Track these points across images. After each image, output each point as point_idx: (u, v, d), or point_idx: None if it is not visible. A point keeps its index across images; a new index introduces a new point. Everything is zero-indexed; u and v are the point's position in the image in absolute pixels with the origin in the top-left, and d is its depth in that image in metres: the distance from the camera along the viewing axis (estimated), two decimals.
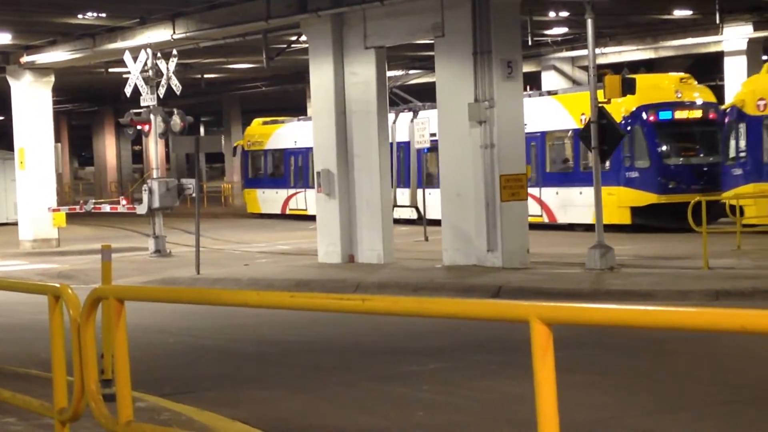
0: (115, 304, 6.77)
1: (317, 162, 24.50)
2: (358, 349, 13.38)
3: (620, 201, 29.07)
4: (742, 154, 27.14)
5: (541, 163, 31.84)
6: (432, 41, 22.79)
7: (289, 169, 43.55)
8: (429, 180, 33.92)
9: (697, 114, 29.92)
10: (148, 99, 28.47)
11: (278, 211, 43.63)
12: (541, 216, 31.02)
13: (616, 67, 36.00)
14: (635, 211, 28.89)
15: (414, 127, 31.44)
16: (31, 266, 27.67)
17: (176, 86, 27.91)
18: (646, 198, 27.72)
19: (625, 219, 29.01)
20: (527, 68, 36.00)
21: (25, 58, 33.41)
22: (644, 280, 18.40)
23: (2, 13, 27.99)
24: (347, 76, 23.74)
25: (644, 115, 29.02)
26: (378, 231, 23.25)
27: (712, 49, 38.41)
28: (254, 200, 45.48)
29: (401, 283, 19.78)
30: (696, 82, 30.96)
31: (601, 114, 20.49)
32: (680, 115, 29.39)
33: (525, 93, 25.07)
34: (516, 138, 21.52)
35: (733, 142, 27.45)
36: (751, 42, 36.50)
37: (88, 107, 65.17)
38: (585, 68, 33.22)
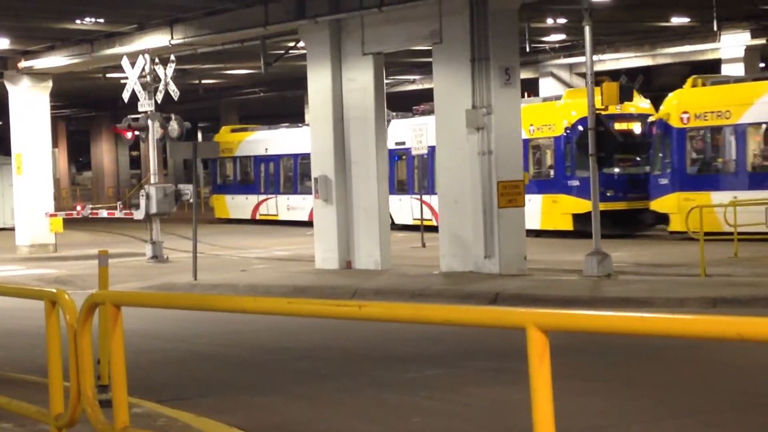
0: (111, 310, 6.77)
1: (315, 168, 24.50)
2: (355, 355, 13.37)
3: (563, 208, 30.48)
4: (668, 165, 28.67)
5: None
6: (430, 48, 22.81)
7: (260, 175, 44.68)
8: (400, 186, 35.63)
9: (636, 125, 30.95)
10: (146, 104, 28.47)
11: (248, 217, 44.87)
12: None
13: (614, 74, 36.05)
14: (577, 217, 29.78)
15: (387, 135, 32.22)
16: (28, 271, 27.66)
17: (174, 92, 27.91)
18: (586, 205, 27.60)
19: (568, 225, 30.25)
20: (525, 75, 36.08)
21: (23, 64, 33.42)
22: (641, 287, 18.41)
23: (0, 18, 28.00)
24: (345, 82, 23.76)
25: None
26: (375, 237, 23.25)
27: (710, 56, 38.47)
28: (223, 206, 46.64)
29: (399, 290, 19.77)
30: (640, 95, 31.73)
31: (598, 121, 20.51)
32: (619, 126, 29.68)
33: None
34: (513, 145, 21.53)
35: (659, 153, 29.05)
36: (749, 49, 36.56)
37: (85, 113, 65.21)
38: (583, 75, 33.30)
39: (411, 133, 31.67)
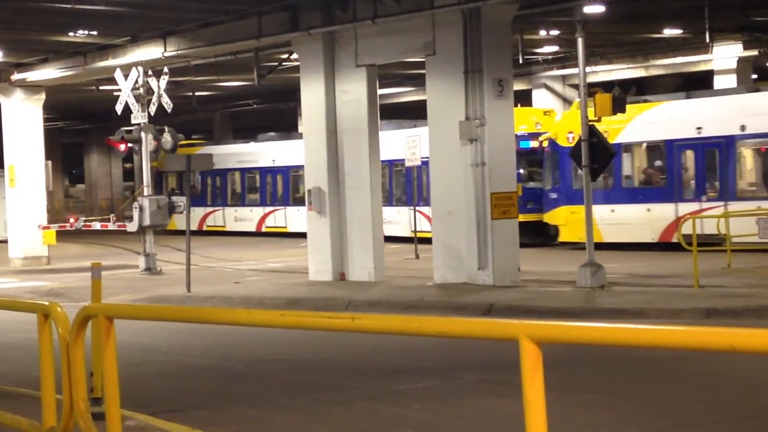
0: (104, 323, 6.76)
1: (308, 180, 24.50)
2: (348, 367, 13.35)
3: None
4: (557, 180, 31.67)
5: (428, 185, 33.93)
6: (423, 59, 22.84)
7: (207, 189, 48.10)
8: None
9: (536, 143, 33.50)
10: (139, 117, 28.45)
11: (195, 228, 45.98)
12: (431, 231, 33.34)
13: (607, 86, 36.16)
14: (528, 224, 31.52)
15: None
16: (21, 284, 27.60)
17: (167, 104, 27.90)
18: (537, 214, 31.78)
19: None
20: (518, 86, 36.15)
21: (16, 76, 33.40)
22: (635, 298, 18.41)
23: None
24: (338, 94, 23.78)
25: (549, 145, 32.09)
26: (369, 249, 23.24)
27: (702, 67, 38.55)
28: (172, 218, 47.90)
29: (392, 301, 19.76)
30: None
31: (591, 132, 20.54)
32: (535, 144, 33.08)
33: (418, 122, 28.48)
34: (507, 156, 21.55)
35: (550, 170, 32.01)
36: (741, 61, 36.65)
37: (78, 125, 65.14)
38: (576, 86, 33.41)
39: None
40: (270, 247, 37.53)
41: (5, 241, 35.78)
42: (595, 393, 11.03)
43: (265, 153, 45.34)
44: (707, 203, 27.93)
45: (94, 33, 28.68)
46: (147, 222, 28.09)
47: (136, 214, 28.28)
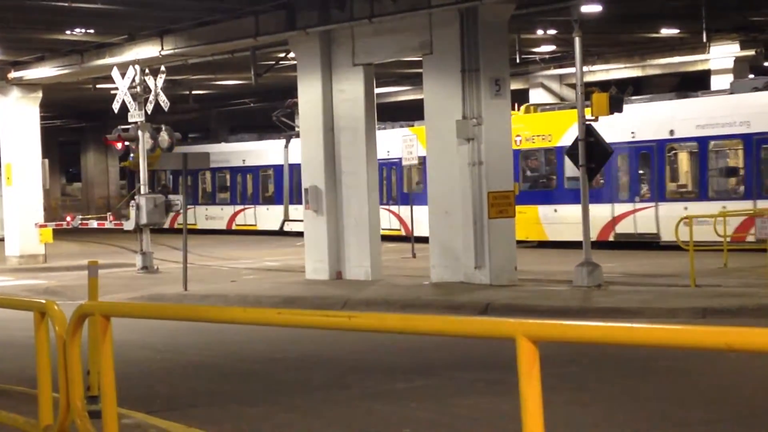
0: (101, 321, 6.76)
1: (305, 179, 24.50)
2: (345, 366, 13.36)
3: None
4: None
5: (399, 185, 37.30)
6: (420, 59, 22.84)
7: (179, 188, 49.70)
8: None
9: None
10: (136, 115, 28.43)
11: (167, 226, 47.38)
12: (399, 230, 36.96)
13: (604, 85, 36.14)
14: None
15: None
16: (18, 282, 27.59)
17: (164, 102, 27.88)
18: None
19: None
20: (515, 86, 36.16)
21: (13, 74, 33.37)
22: (632, 297, 18.43)
23: None
24: (335, 93, 23.77)
25: None
26: (366, 248, 23.24)
27: (699, 67, 38.57)
28: None
29: (389, 300, 19.76)
30: None
31: (588, 132, 20.55)
32: None
33: (380, 125, 29.55)
34: (504, 155, 21.56)
35: None
36: (738, 61, 36.67)
37: (75, 123, 65.05)
38: (573, 86, 33.46)
39: None
40: (268, 246, 37.51)
41: (2, 240, 35.77)
42: (592, 392, 11.04)
43: (236, 153, 47.02)
44: (640, 203, 29.47)
45: (91, 31, 28.66)
46: (144, 220, 28.07)
47: (133, 212, 28.26)
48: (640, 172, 30.13)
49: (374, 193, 23.71)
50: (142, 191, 28.98)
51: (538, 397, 4.55)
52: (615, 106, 20.69)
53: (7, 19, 27.03)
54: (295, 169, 42.34)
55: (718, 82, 36.51)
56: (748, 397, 10.54)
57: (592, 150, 20.50)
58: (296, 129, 43.24)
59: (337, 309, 18.86)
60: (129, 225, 28.61)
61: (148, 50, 28.22)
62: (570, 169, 30.90)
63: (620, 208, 29.96)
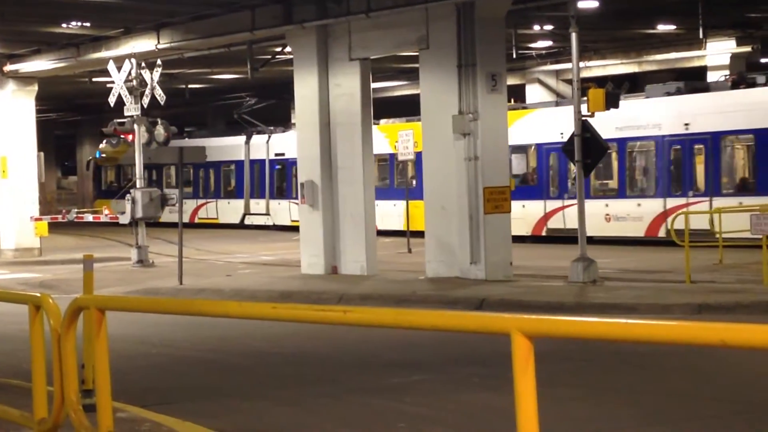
0: (96, 314, 6.75)
1: (301, 173, 24.49)
2: (340, 360, 13.36)
3: (401, 213, 34.79)
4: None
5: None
6: (417, 53, 22.82)
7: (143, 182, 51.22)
8: (279, 192, 43.42)
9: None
10: (132, 109, 28.38)
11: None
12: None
13: (601, 81, 36.12)
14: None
15: (269, 147, 43.47)
16: (13, 275, 27.56)
17: (160, 96, 27.84)
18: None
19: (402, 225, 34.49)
20: (512, 81, 36.16)
21: (9, 67, 33.32)
22: (627, 293, 18.44)
23: None
24: (332, 87, 23.75)
25: None
26: (361, 242, 23.24)
27: (696, 63, 38.57)
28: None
29: (384, 295, 19.76)
30: None
31: (584, 128, 20.55)
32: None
33: None
34: (500, 151, 21.56)
35: (416, 173, 34.68)
36: (734, 57, 36.67)
37: (71, 116, 64.99)
38: (569, 81, 33.51)
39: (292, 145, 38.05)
40: (262, 240, 37.51)
41: None
42: (587, 387, 11.05)
43: None
44: (569, 200, 30.89)
45: (88, 24, 28.61)
46: (139, 214, 28.04)
47: (128, 206, 28.23)
48: (569, 170, 31.20)
49: (370, 187, 23.69)
50: (138, 185, 28.94)
51: (533, 392, 4.54)
52: (611, 102, 20.68)
53: (3, 12, 26.97)
54: (256, 164, 44.72)
55: (714, 78, 36.50)
56: (744, 393, 10.55)
57: (588, 146, 20.50)
58: (257, 127, 44.97)
59: (332, 304, 18.86)
60: (125, 219, 28.57)
61: (145, 44, 28.18)
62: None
63: (552, 204, 32.01)
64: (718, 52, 36.67)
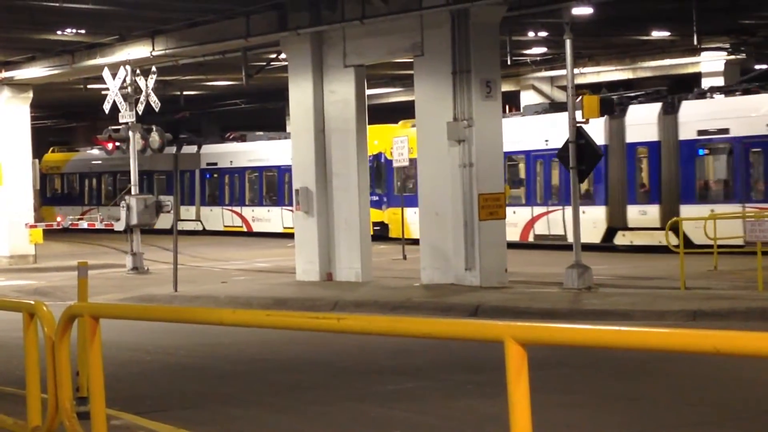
0: (90, 322, 6.75)
1: (296, 180, 24.49)
2: (334, 368, 13.36)
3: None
4: (385, 188, 37.73)
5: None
6: (411, 60, 22.84)
7: (84, 189, 54.28)
8: (210, 199, 46.52)
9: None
10: (126, 116, 28.39)
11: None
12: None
13: (595, 87, 36.22)
14: (374, 224, 34.19)
15: (200, 157, 42.27)
16: (7, 282, 27.52)
17: (155, 103, 27.84)
18: (379, 215, 36.53)
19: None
20: (506, 87, 36.22)
21: (3, 74, 33.29)
22: (621, 300, 18.44)
23: None
24: (326, 94, 23.76)
25: (382, 158, 37.28)
26: (356, 249, 23.23)
27: (690, 70, 38.64)
28: (51, 216, 50.48)
29: (379, 302, 19.75)
30: None
31: (579, 134, 20.57)
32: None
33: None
34: (494, 157, 21.57)
35: (384, 179, 37.71)
36: (729, 64, 36.76)
37: (66, 124, 64.96)
38: (564, 88, 33.53)
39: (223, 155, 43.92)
40: (257, 247, 37.51)
41: None
42: (581, 394, 11.05)
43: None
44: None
45: (82, 32, 28.60)
46: (134, 221, 28.02)
47: (123, 213, 28.21)
48: (512, 180, 32.94)
49: (365, 194, 23.70)
50: (132, 192, 28.93)
51: (527, 399, 4.55)
52: (606, 109, 20.71)
53: None
54: (186, 173, 46.80)
55: (709, 85, 36.55)
56: (738, 399, 10.56)
57: (583, 152, 20.53)
58: (203, 137, 47.62)
59: (327, 310, 18.85)
60: (119, 226, 28.55)
61: (139, 51, 28.18)
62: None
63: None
64: (712, 59, 36.75)
